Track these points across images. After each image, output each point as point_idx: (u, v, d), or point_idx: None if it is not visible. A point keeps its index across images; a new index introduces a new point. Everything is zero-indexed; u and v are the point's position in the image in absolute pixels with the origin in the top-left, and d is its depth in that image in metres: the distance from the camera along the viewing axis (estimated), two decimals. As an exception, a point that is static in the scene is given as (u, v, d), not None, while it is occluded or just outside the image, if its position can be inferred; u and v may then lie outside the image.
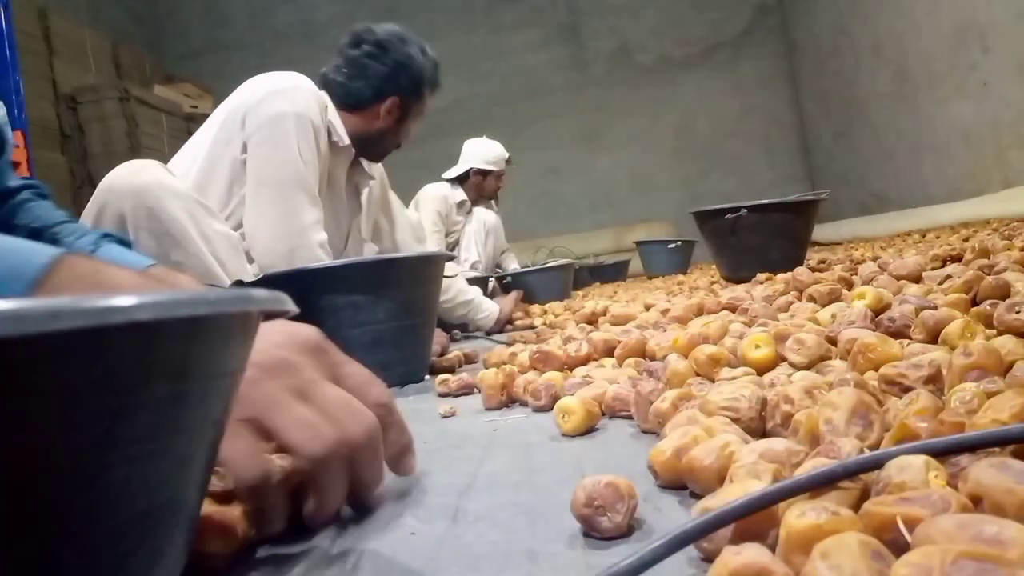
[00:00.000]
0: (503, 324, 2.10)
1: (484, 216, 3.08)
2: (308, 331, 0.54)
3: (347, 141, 1.53)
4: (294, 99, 1.43)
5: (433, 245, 2.86)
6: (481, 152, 3.01)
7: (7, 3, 2.89)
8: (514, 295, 2.32)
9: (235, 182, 1.43)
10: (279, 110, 1.41)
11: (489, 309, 2.01)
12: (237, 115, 1.43)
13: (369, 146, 1.59)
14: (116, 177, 1.21)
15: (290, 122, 1.40)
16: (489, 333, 2.06)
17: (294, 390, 0.49)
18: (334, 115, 1.53)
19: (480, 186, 3.04)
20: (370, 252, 1.68)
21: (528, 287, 2.50)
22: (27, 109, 2.95)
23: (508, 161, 3.05)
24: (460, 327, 2.03)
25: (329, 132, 1.51)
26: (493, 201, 3.15)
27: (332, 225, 1.54)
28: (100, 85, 4.04)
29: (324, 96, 1.53)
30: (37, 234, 0.82)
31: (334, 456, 0.48)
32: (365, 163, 1.65)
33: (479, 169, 3.02)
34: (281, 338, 0.51)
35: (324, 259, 1.40)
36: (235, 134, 1.43)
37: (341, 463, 0.49)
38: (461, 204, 3.03)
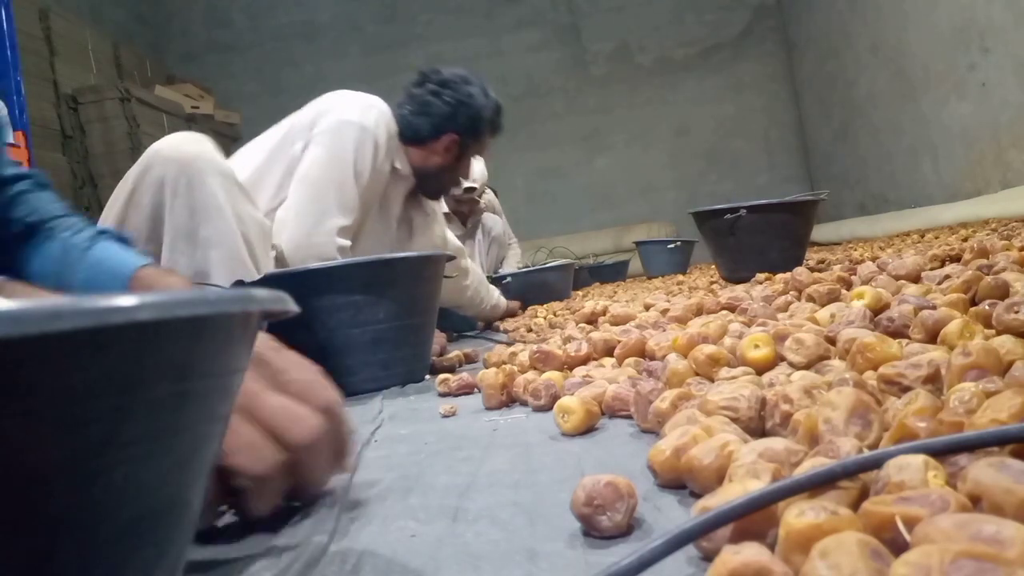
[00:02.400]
0: (504, 315, 2.11)
1: (490, 224, 3.08)
2: None
3: (408, 171, 1.57)
4: (365, 113, 1.48)
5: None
6: None
7: (7, 3, 2.89)
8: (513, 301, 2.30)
9: (287, 175, 1.46)
10: (347, 118, 1.46)
11: (498, 296, 2.05)
12: (307, 119, 1.48)
13: (427, 181, 1.63)
14: (167, 143, 1.23)
15: (353, 131, 1.45)
16: (487, 327, 2.06)
17: (236, 408, 0.49)
18: (398, 145, 1.57)
19: (448, 204, 2.96)
20: None
21: (528, 287, 2.50)
22: (28, 109, 2.95)
23: (468, 191, 2.86)
24: (456, 326, 2.04)
25: (392, 158, 1.55)
26: (472, 216, 3.05)
27: (375, 249, 1.57)
28: (101, 86, 4.04)
29: (393, 122, 1.57)
30: (33, 229, 0.81)
31: (275, 472, 0.50)
32: (423, 199, 1.69)
33: None
34: None
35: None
36: (301, 136, 1.47)
37: (282, 475, 0.51)
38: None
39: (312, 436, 0.52)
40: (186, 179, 1.19)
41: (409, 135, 1.60)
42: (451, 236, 1.90)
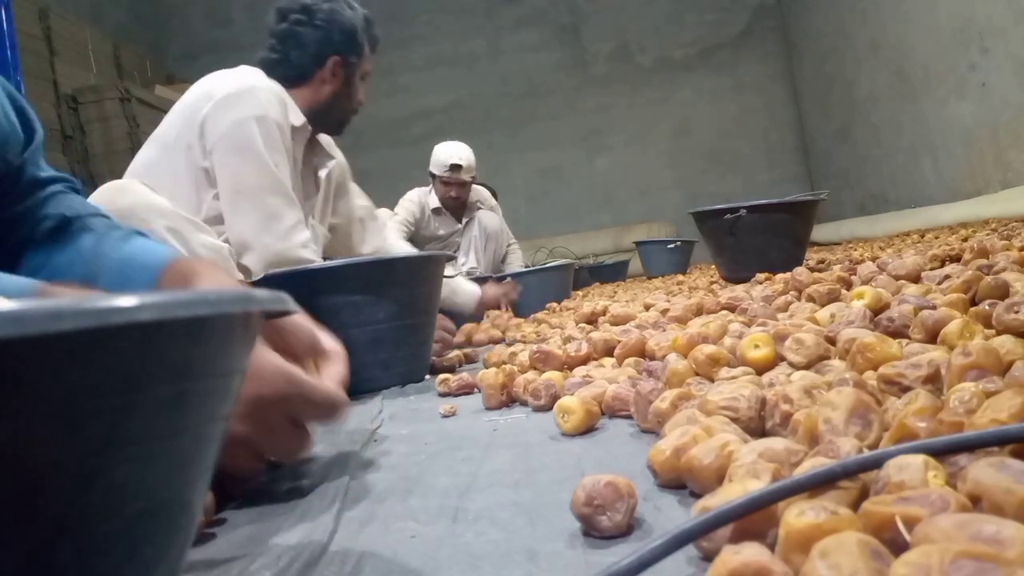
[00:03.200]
0: (485, 309, 2.07)
1: (486, 221, 3.07)
2: None
3: (302, 120, 1.50)
4: (253, 102, 1.39)
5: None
6: (434, 155, 2.99)
7: (7, 3, 2.89)
8: (506, 285, 2.23)
9: (200, 188, 1.39)
10: (239, 116, 1.37)
11: (470, 290, 1.97)
12: (194, 121, 1.39)
13: (324, 118, 1.55)
14: (97, 201, 1.17)
15: (253, 128, 1.37)
16: (471, 318, 2.04)
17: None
18: (286, 97, 1.49)
19: (438, 191, 3.01)
20: (322, 238, 1.64)
21: (528, 287, 2.50)
22: (27, 109, 2.94)
23: (454, 169, 2.92)
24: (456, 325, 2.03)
25: (289, 121, 1.48)
26: (468, 210, 3.06)
27: None
28: (101, 85, 4.04)
29: (276, 86, 1.49)
30: (68, 223, 0.81)
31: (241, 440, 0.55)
32: (325, 143, 1.61)
33: (431, 173, 3.01)
34: None
35: (310, 259, 1.40)
36: (194, 141, 1.39)
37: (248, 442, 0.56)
38: (438, 211, 3.01)
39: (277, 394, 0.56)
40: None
41: (293, 76, 1.51)
42: (379, 210, 1.81)
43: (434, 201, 3.00)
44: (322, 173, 1.60)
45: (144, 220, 1.15)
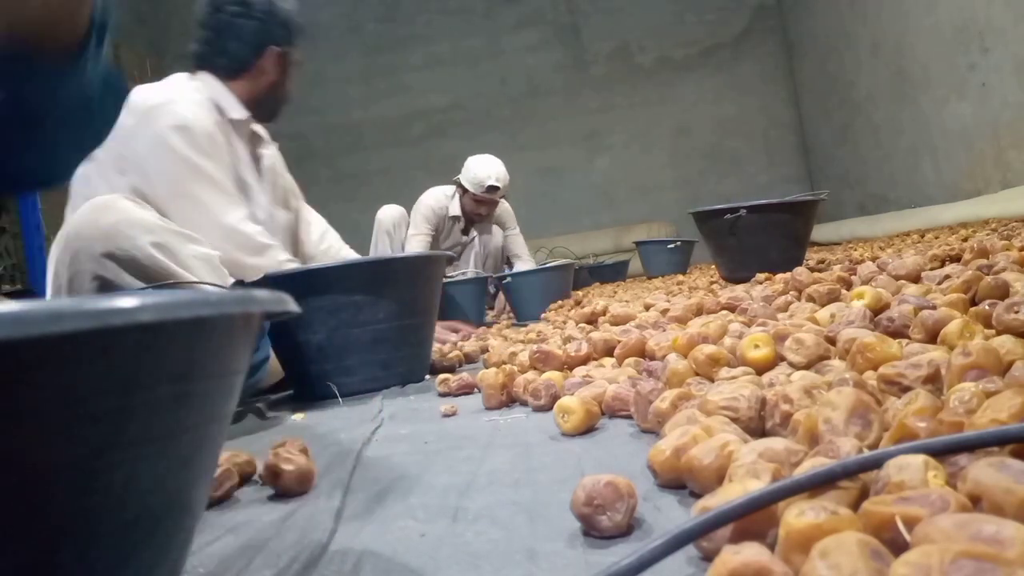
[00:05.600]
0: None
1: (488, 241, 3.06)
2: None
3: (244, 113, 1.50)
4: (172, 113, 1.39)
5: (415, 248, 2.83)
6: (467, 170, 2.90)
7: (7, 3, 2.88)
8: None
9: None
10: (160, 129, 1.37)
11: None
12: (119, 135, 1.36)
13: (262, 107, 1.55)
14: (82, 223, 1.15)
15: (175, 138, 1.37)
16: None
17: None
18: (221, 92, 1.49)
19: (465, 205, 2.95)
20: (284, 219, 1.64)
21: (528, 287, 2.50)
22: (28, 109, 2.94)
23: (491, 190, 2.85)
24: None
25: (222, 111, 1.48)
26: (479, 224, 3.02)
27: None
28: (100, 85, 4.04)
29: (209, 85, 1.50)
30: None
31: None
32: (259, 130, 1.61)
33: (459, 183, 2.93)
34: None
35: (267, 243, 1.40)
36: (122, 156, 1.38)
37: None
38: (456, 219, 2.96)
39: None
40: (121, 252, 1.13)
41: (232, 67, 1.51)
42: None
43: (455, 209, 2.95)
44: (266, 161, 1.61)
45: (129, 237, 1.13)
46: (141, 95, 1.42)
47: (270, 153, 1.64)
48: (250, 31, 1.52)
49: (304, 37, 1.61)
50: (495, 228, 3.11)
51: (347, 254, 1.77)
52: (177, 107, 1.41)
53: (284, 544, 0.49)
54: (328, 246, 1.75)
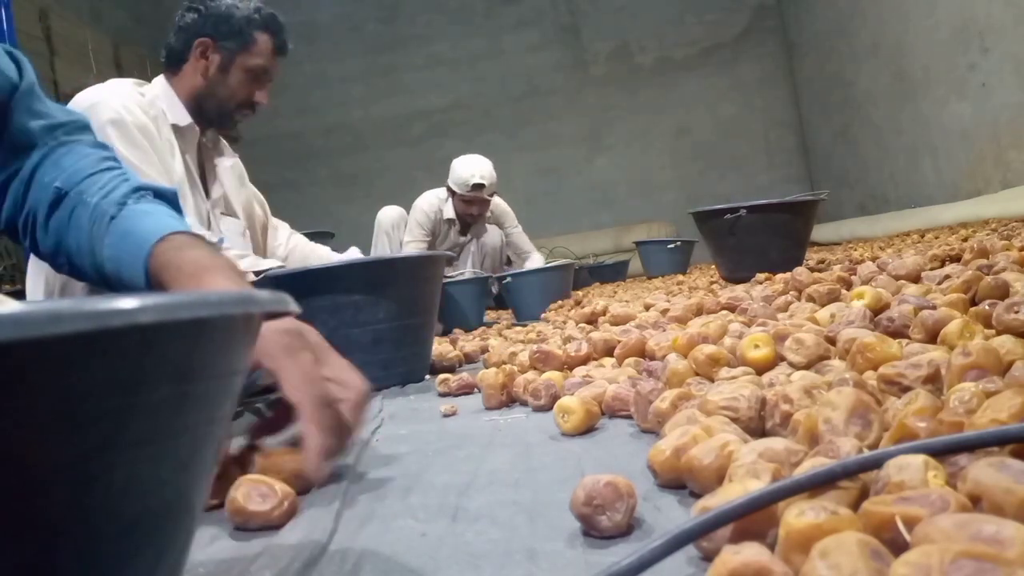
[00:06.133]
0: None
1: (487, 240, 3.05)
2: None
3: (188, 120, 1.49)
4: (105, 108, 1.37)
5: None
6: (453, 171, 2.88)
7: (8, 3, 2.89)
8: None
9: None
10: (99, 126, 1.32)
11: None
12: None
13: (203, 108, 1.53)
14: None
15: (109, 131, 1.34)
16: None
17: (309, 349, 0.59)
18: (167, 95, 1.49)
19: (457, 207, 2.93)
20: (236, 226, 1.60)
21: (528, 287, 2.50)
22: (27, 109, 2.94)
23: (476, 188, 2.82)
24: (455, 325, 2.03)
25: (164, 116, 1.46)
26: (476, 226, 3.01)
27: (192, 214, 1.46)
28: (100, 85, 4.04)
29: (154, 87, 1.49)
30: (62, 195, 0.76)
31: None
32: (212, 141, 1.59)
33: (449, 187, 2.92)
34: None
35: (209, 238, 1.38)
36: None
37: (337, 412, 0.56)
38: (451, 221, 2.95)
39: (366, 390, 0.61)
40: None
41: (172, 60, 1.52)
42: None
43: (449, 211, 2.94)
44: (222, 167, 1.59)
45: None
46: (85, 95, 1.41)
47: (227, 165, 1.61)
48: (187, 23, 1.52)
49: (282, 51, 1.58)
50: (493, 228, 3.10)
51: (322, 253, 1.77)
52: (111, 102, 1.39)
53: (284, 544, 0.49)
54: (294, 245, 1.75)
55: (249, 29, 1.53)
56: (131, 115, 1.40)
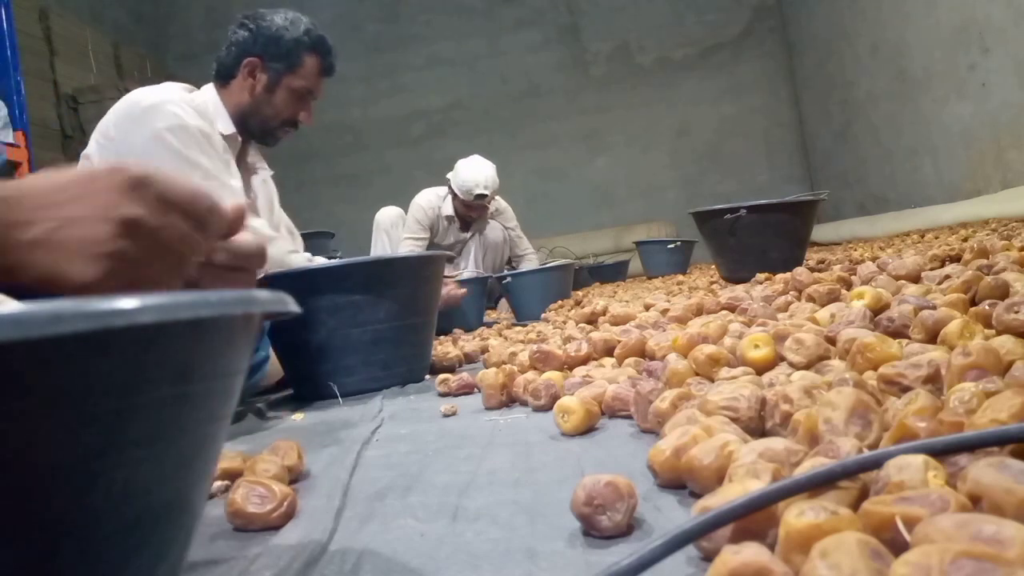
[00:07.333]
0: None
1: (489, 235, 3.06)
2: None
3: (231, 129, 1.52)
4: (164, 113, 1.40)
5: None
6: (456, 174, 2.87)
7: (7, 3, 2.89)
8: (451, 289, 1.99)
9: None
10: (153, 130, 1.38)
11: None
12: (114, 139, 1.40)
13: (247, 123, 1.56)
14: None
15: (169, 137, 1.38)
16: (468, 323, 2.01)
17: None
18: (215, 104, 1.52)
19: (457, 207, 2.93)
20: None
21: (528, 287, 2.50)
22: (28, 109, 2.95)
23: (479, 198, 2.82)
24: (455, 326, 2.03)
25: (212, 123, 1.49)
26: (477, 222, 3.01)
27: None
28: (101, 85, 4.04)
29: (204, 95, 1.53)
30: None
31: None
32: (253, 155, 1.62)
33: (450, 188, 2.92)
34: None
35: (271, 234, 1.40)
36: (115, 159, 1.38)
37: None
38: (451, 218, 2.96)
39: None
40: None
41: (222, 75, 1.55)
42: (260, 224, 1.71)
43: (448, 209, 2.94)
44: (256, 180, 1.62)
45: None
46: (137, 97, 1.43)
47: (261, 179, 1.65)
48: (237, 41, 1.56)
49: (328, 72, 1.61)
50: (495, 223, 3.10)
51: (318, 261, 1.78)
52: (172, 107, 1.42)
53: (284, 544, 0.49)
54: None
55: (298, 51, 1.56)
56: (192, 120, 1.43)
